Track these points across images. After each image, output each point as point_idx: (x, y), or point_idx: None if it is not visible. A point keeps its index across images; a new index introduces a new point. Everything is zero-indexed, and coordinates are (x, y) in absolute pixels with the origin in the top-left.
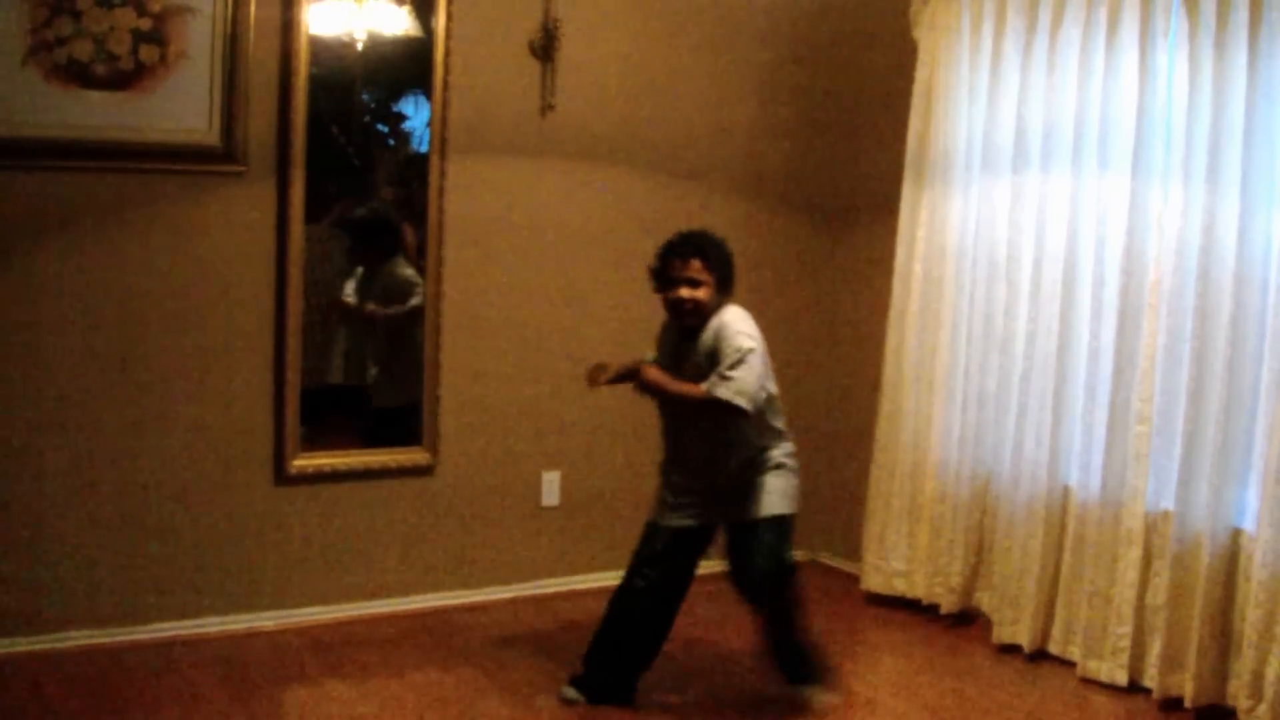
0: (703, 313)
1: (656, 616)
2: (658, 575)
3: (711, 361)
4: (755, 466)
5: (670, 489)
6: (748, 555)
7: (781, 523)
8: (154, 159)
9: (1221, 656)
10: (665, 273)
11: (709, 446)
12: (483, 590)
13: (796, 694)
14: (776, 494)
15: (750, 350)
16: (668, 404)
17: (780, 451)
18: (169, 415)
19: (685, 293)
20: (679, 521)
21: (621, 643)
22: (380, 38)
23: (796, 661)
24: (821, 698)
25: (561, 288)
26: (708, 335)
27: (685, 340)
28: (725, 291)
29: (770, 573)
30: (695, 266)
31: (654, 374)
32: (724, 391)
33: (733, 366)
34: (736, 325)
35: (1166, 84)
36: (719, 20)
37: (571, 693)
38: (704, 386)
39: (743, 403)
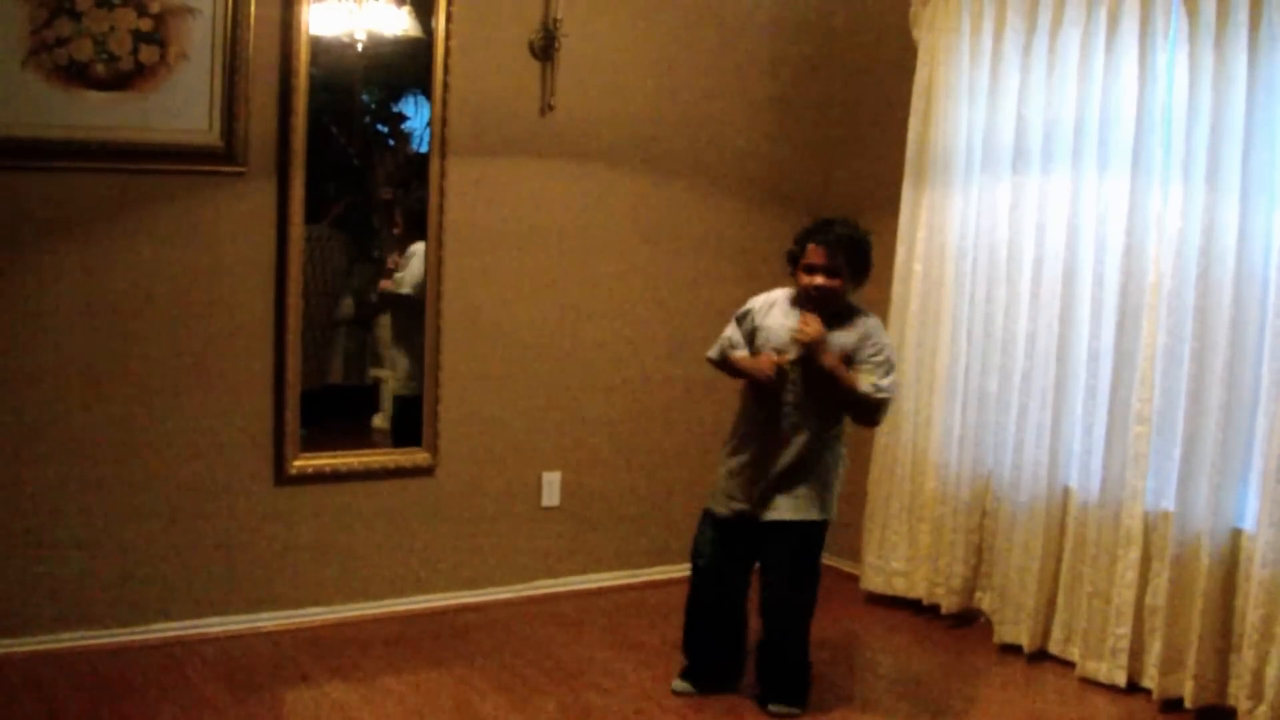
0: (834, 301)
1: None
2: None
3: (849, 358)
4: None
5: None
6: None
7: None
8: (154, 159)
9: (1221, 657)
10: (803, 256)
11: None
12: (483, 590)
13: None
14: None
15: (894, 366)
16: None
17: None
18: (169, 415)
19: (821, 280)
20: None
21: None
22: (380, 38)
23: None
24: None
25: (562, 287)
26: (851, 334)
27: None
28: (860, 283)
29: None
30: (837, 257)
31: (833, 360)
32: (884, 395)
33: (886, 374)
34: (886, 338)
35: (1166, 84)
36: (719, 21)
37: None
38: (863, 388)
39: (886, 413)
